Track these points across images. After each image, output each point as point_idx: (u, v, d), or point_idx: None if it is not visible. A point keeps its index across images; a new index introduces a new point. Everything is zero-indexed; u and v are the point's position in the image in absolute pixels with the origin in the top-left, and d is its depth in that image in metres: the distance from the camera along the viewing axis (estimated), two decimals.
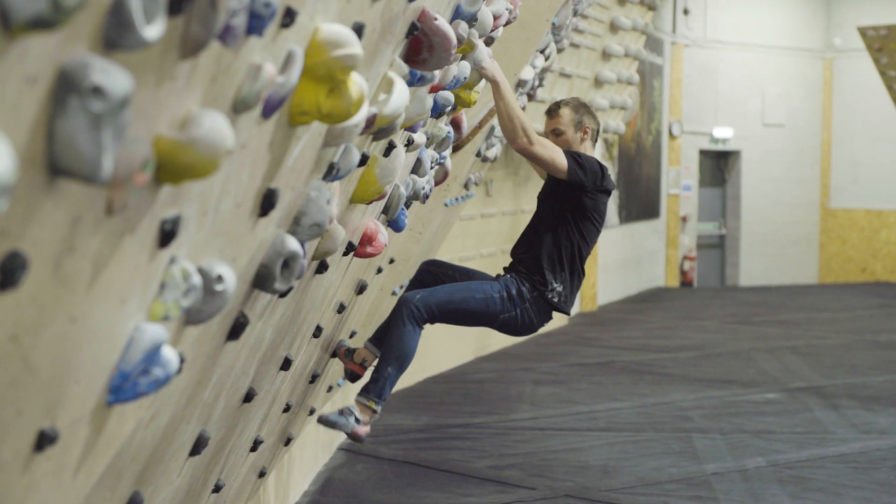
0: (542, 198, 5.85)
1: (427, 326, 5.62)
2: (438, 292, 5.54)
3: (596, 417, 10.20)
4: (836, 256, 23.70)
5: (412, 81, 3.82)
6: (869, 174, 23.24)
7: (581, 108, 5.81)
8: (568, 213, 5.66)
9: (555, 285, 5.64)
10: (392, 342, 5.41)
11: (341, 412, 5.30)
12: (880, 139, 23.06)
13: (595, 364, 13.12)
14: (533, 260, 5.67)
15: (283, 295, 3.29)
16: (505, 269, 5.82)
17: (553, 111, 5.82)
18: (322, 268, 3.90)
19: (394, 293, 7.71)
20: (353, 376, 5.76)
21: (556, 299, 5.66)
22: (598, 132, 5.87)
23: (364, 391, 5.39)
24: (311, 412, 6.65)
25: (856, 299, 20.23)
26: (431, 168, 5.53)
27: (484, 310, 5.57)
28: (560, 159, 5.53)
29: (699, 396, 11.16)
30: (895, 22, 19.57)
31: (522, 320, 5.64)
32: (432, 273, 5.90)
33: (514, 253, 5.84)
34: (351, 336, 6.36)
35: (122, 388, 2.14)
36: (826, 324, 16.88)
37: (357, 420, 5.29)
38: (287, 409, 5.14)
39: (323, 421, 5.33)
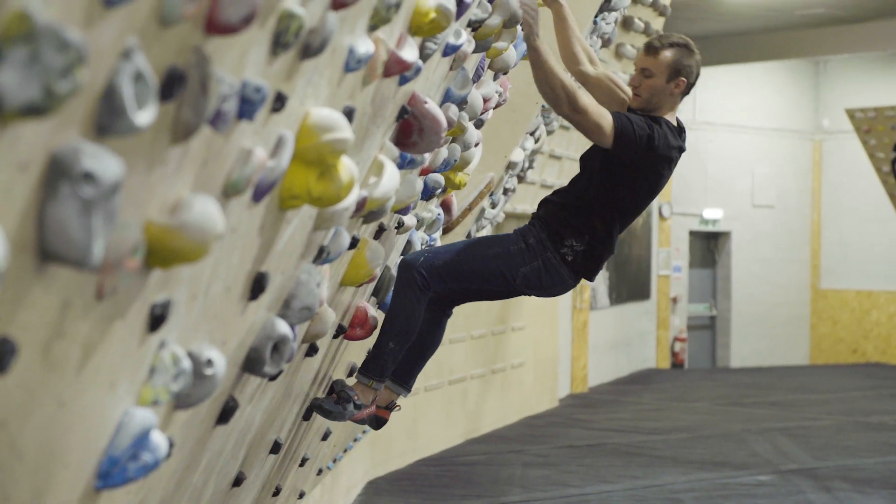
0: (585, 157, 5.00)
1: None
2: (444, 251, 4.80)
3: (587, 500, 10.14)
4: (827, 337, 23.69)
5: (402, 164, 3.85)
6: (858, 255, 23.30)
7: (688, 55, 4.92)
8: (606, 173, 4.83)
9: (571, 241, 4.78)
10: (394, 313, 4.73)
11: (337, 400, 4.64)
12: (869, 220, 23.13)
13: (586, 446, 13.05)
14: (557, 209, 4.86)
15: (272, 378, 3.29)
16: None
17: (654, 49, 4.88)
18: (312, 350, 3.90)
19: None
20: (378, 422, 4.97)
21: (569, 257, 4.79)
22: (692, 86, 5.03)
23: (363, 370, 4.77)
24: (301, 496, 6.60)
25: (847, 380, 20.18)
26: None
27: (501, 266, 4.76)
28: (606, 126, 4.66)
29: (691, 479, 11.10)
30: (883, 104, 19.71)
31: (548, 271, 4.79)
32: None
33: (544, 199, 5.00)
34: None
35: (111, 473, 2.13)
36: (818, 405, 16.83)
37: (356, 405, 4.64)
38: (276, 492, 5.10)
39: (317, 408, 4.67)
